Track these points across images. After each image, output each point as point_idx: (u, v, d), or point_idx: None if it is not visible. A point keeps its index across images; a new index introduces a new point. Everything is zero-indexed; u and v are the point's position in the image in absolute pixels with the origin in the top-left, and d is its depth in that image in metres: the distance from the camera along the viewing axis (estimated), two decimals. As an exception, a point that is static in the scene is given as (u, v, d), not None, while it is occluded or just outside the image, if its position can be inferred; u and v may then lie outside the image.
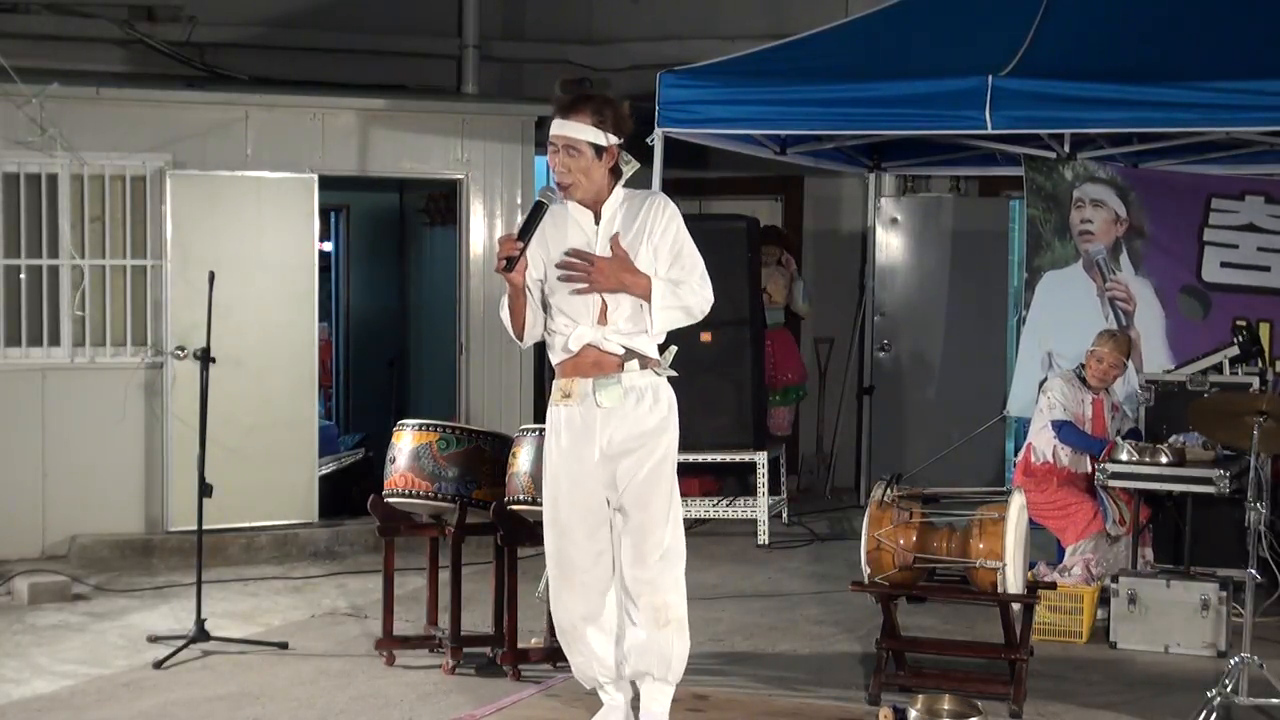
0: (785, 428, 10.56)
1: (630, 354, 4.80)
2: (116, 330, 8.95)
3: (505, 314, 4.90)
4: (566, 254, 4.76)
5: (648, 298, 4.74)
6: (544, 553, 6.30)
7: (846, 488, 11.14)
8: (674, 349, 4.93)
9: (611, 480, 4.82)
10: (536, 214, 4.74)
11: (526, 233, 4.72)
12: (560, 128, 4.78)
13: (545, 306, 4.88)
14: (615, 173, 4.86)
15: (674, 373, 4.92)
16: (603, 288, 4.74)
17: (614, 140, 4.80)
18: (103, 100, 8.96)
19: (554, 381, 4.92)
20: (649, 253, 4.77)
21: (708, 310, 4.87)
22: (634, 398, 4.79)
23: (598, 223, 4.82)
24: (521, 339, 4.93)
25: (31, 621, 7.41)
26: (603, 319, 4.78)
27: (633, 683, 4.98)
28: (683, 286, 4.79)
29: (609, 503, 4.86)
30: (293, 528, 9.07)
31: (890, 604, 6.15)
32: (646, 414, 4.80)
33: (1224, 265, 8.55)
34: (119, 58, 10.34)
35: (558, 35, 11.60)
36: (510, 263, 4.68)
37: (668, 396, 4.88)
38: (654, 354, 4.86)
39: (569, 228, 4.83)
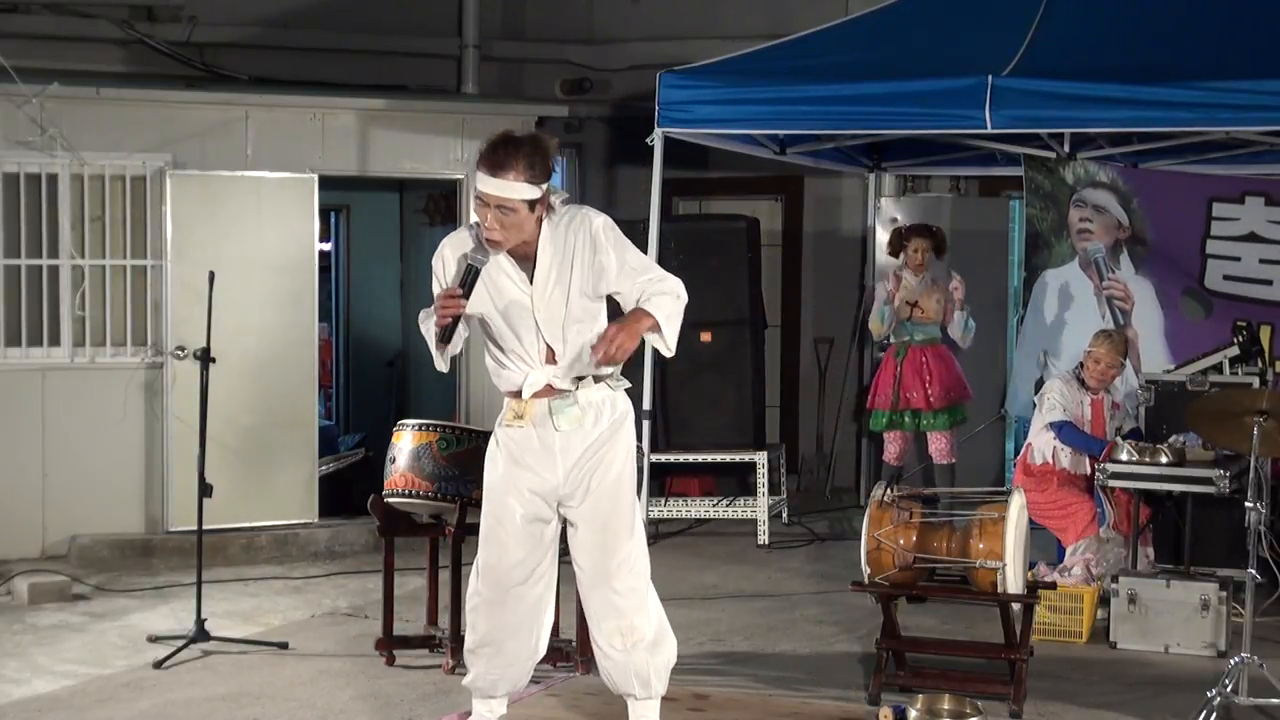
0: (948, 454, 9.34)
1: (584, 378, 4.75)
2: (116, 330, 8.95)
3: (431, 337, 4.77)
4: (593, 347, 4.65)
5: (659, 327, 4.67)
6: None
7: (846, 488, 11.14)
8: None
9: (568, 497, 4.77)
10: (470, 277, 4.61)
11: (465, 294, 4.61)
12: (491, 186, 4.52)
13: (487, 342, 4.82)
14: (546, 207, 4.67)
15: (628, 383, 4.86)
16: (630, 350, 4.64)
17: (545, 185, 4.59)
18: (103, 100, 8.96)
19: (506, 401, 4.84)
20: (585, 275, 4.66)
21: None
22: (591, 415, 4.74)
23: (529, 269, 4.66)
24: (446, 367, 4.85)
25: (31, 621, 7.41)
26: (550, 360, 4.73)
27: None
28: (661, 294, 4.69)
29: (558, 521, 4.83)
30: (293, 528, 9.07)
31: (890, 604, 6.15)
32: (608, 429, 4.75)
33: (1226, 278, 8.56)
34: (119, 58, 10.34)
35: (558, 35, 11.61)
36: (451, 330, 4.62)
37: (624, 406, 4.82)
38: (607, 369, 4.79)
39: (503, 278, 4.69)
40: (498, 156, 4.52)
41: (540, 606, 4.93)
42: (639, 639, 4.82)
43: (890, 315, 9.33)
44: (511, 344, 4.76)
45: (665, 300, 4.70)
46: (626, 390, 4.88)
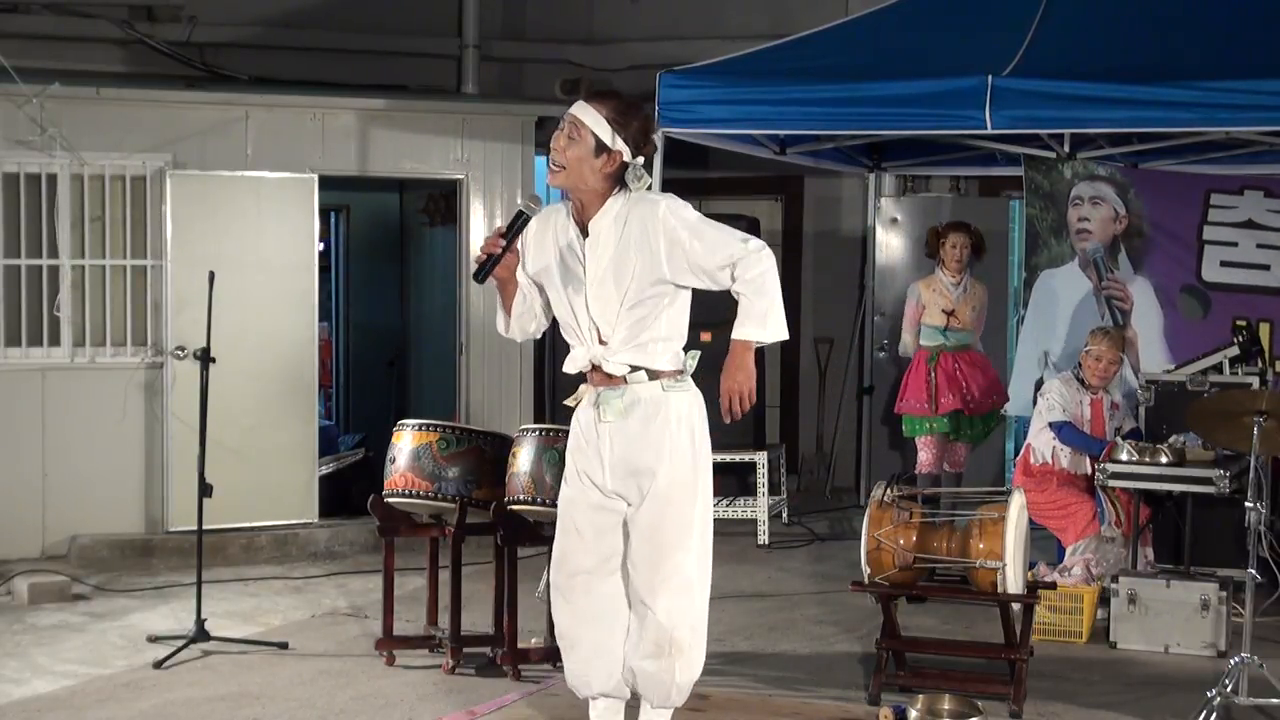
0: (961, 464, 9.19)
1: (637, 367, 4.59)
2: (116, 330, 8.95)
3: (499, 299, 4.80)
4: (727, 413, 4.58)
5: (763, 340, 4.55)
6: (544, 552, 6.30)
7: (846, 488, 11.15)
8: (697, 354, 4.69)
9: (625, 494, 4.63)
10: (517, 222, 4.62)
11: (508, 236, 4.61)
12: (574, 108, 4.57)
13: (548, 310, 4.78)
14: (619, 184, 4.58)
15: (691, 386, 4.66)
16: (752, 387, 4.55)
17: (623, 147, 4.53)
18: (103, 100, 8.96)
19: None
20: (652, 258, 4.51)
21: (771, 255, 4.56)
22: (639, 414, 4.59)
23: (585, 237, 4.61)
24: (508, 330, 4.80)
25: (31, 621, 7.41)
26: (601, 339, 4.62)
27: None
28: (749, 275, 4.48)
29: (624, 512, 4.66)
30: (293, 528, 9.08)
31: (890, 604, 6.15)
32: (653, 432, 4.58)
33: (1224, 264, 8.55)
34: (119, 58, 10.35)
35: (558, 35, 11.61)
36: (485, 266, 4.59)
37: (680, 413, 4.61)
38: (668, 364, 4.61)
39: (563, 240, 4.65)
40: (596, 90, 4.66)
41: (616, 601, 4.73)
42: (675, 651, 4.63)
43: (914, 340, 9.20)
44: (567, 317, 4.66)
45: (754, 306, 4.52)
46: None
